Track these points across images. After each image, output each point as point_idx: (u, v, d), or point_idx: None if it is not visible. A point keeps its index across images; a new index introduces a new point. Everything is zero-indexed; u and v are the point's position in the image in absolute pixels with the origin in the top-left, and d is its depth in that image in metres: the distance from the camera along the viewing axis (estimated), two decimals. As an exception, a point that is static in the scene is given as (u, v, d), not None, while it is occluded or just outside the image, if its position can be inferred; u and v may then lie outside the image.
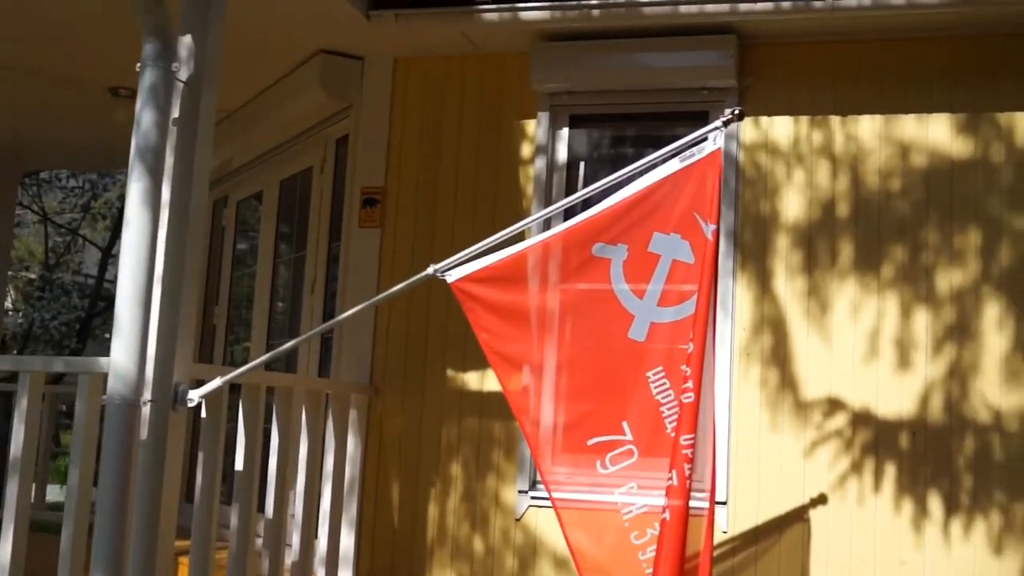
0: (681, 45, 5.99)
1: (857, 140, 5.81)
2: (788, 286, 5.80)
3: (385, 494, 6.25)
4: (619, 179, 4.41)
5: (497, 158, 6.38)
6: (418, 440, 6.24)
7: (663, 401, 4.23)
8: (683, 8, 5.76)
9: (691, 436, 4.10)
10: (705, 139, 4.36)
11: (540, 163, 6.25)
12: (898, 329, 5.62)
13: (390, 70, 6.66)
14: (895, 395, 5.58)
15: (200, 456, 4.82)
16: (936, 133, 5.72)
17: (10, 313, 23.50)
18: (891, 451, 5.55)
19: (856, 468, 5.57)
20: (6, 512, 4.55)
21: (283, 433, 5.33)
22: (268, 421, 5.34)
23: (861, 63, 5.87)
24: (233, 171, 8.70)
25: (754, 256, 5.86)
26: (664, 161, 4.39)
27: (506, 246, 4.39)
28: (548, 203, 6.10)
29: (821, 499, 5.58)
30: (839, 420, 5.63)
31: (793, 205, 5.85)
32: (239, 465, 5.04)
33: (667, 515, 4.09)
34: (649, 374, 4.26)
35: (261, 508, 5.37)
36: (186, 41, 4.47)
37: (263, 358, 4.78)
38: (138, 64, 4.26)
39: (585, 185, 5.13)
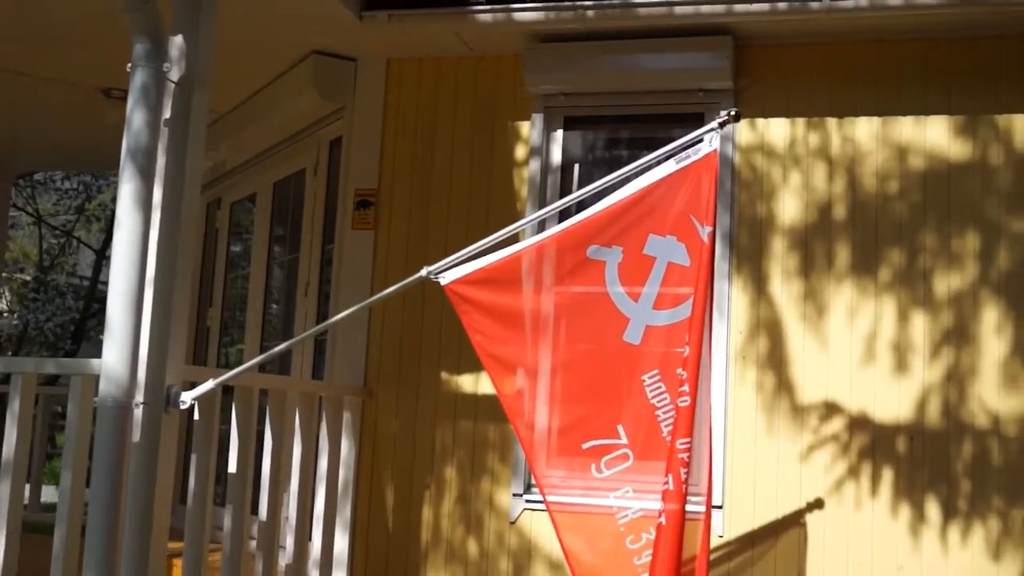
0: (676, 46, 5.96)
1: (854, 142, 5.79)
2: (784, 289, 5.77)
3: (379, 497, 6.22)
4: (614, 181, 4.39)
5: (491, 160, 6.36)
6: (412, 443, 6.22)
7: (658, 405, 4.20)
8: (678, 9, 5.74)
9: (687, 440, 4.07)
10: (701, 141, 4.34)
11: (534, 165, 6.22)
12: (895, 333, 5.60)
13: (383, 71, 6.63)
14: (892, 399, 5.56)
15: (193, 458, 4.80)
16: (933, 135, 5.70)
17: (5, 315, 23.50)
18: (888, 455, 5.52)
19: (853, 472, 5.55)
20: (-1, 513, 4.55)
21: (277, 435, 5.31)
22: (262, 423, 5.33)
23: (858, 65, 5.85)
24: (227, 173, 8.67)
25: (750, 259, 5.84)
26: (659, 163, 4.36)
27: (500, 248, 4.36)
28: (542, 205, 6.08)
29: (818, 503, 5.56)
30: (836, 424, 5.61)
31: (789, 208, 5.83)
32: (232, 467, 5.02)
33: (663, 519, 4.07)
34: (644, 377, 4.24)
35: (255, 510, 5.36)
36: (177, 41, 4.46)
37: (256, 360, 4.78)
38: (128, 64, 4.23)
39: (579, 187, 5.09)
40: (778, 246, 5.81)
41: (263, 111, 7.43)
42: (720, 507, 5.65)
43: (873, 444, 5.55)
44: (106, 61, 6.70)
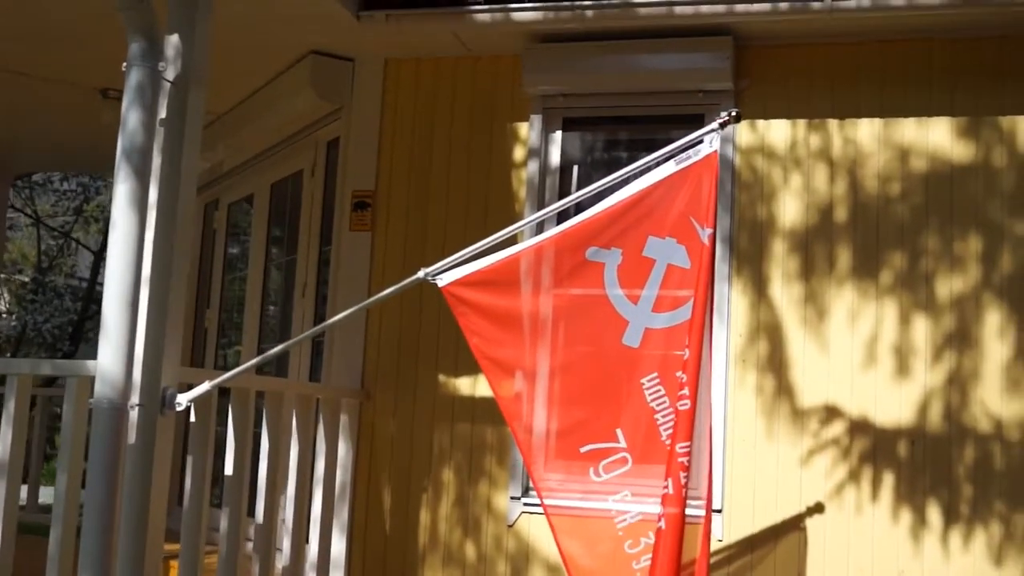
0: (676, 47, 5.93)
1: (856, 143, 5.76)
2: (785, 292, 5.74)
3: (376, 499, 6.20)
4: (613, 182, 4.36)
5: (489, 161, 6.33)
6: (410, 445, 6.19)
7: (658, 408, 4.18)
8: (678, 9, 5.71)
9: (687, 444, 4.05)
10: (701, 142, 4.31)
11: (533, 166, 6.19)
12: (897, 336, 5.57)
13: (381, 72, 6.60)
14: (894, 403, 5.52)
15: (190, 460, 4.80)
16: (936, 136, 5.67)
17: (3, 316, 23.48)
18: (889, 460, 5.49)
19: (854, 477, 5.51)
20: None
21: (273, 437, 5.31)
22: (259, 425, 5.31)
23: (860, 65, 5.81)
24: (224, 174, 8.65)
25: (750, 261, 5.81)
26: (659, 164, 4.34)
27: (498, 250, 4.34)
28: (541, 207, 6.05)
29: (818, 508, 5.53)
30: (836, 428, 5.57)
31: (790, 210, 5.80)
32: (229, 469, 5.01)
33: (663, 524, 4.04)
34: (643, 381, 4.21)
35: (251, 512, 5.36)
36: (173, 40, 4.45)
37: (252, 362, 4.77)
38: (124, 63, 4.21)
39: (578, 189, 5.07)
40: (779, 248, 5.78)
41: (260, 112, 7.41)
42: (719, 511, 5.62)
43: (874, 448, 5.52)
44: (106, 61, 6.64)
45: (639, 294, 4.27)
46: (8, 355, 20.69)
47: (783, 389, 5.67)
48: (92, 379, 4.17)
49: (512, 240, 4.52)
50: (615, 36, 6.00)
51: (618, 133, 6.45)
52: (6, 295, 24.01)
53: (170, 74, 4.38)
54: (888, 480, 5.47)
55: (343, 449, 6.12)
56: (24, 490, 8.56)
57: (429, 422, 6.17)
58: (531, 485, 5.70)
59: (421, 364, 6.24)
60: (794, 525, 5.55)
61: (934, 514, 5.39)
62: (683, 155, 4.30)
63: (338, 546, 6.04)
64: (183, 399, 4.37)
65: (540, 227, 5.48)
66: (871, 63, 5.80)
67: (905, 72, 5.75)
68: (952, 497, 5.39)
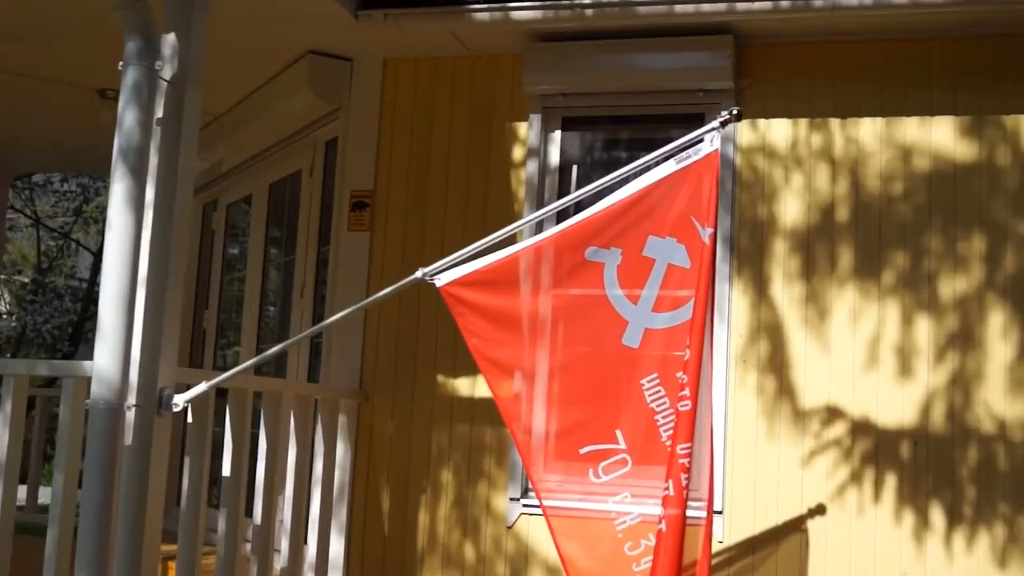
0: (676, 46, 5.91)
1: (857, 143, 5.73)
2: (786, 292, 5.71)
3: (375, 500, 6.17)
4: (613, 181, 4.33)
5: (488, 161, 6.31)
6: (408, 446, 6.17)
7: (658, 409, 4.16)
8: (678, 8, 5.68)
9: (688, 445, 4.02)
10: (701, 140, 4.29)
11: (532, 166, 6.17)
12: (899, 336, 5.54)
13: (379, 71, 6.58)
14: (896, 404, 5.50)
15: (187, 460, 4.79)
16: (939, 136, 5.64)
17: (3, 317, 23.49)
18: (892, 461, 5.46)
19: (856, 478, 5.49)
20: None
21: (271, 438, 5.30)
22: (257, 426, 5.29)
23: (861, 64, 5.79)
24: (223, 174, 8.64)
25: (751, 261, 5.78)
26: (659, 163, 4.31)
27: (497, 250, 4.32)
28: (540, 206, 6.03)
29: (819, 509, 5.50)
30: (838, 429, 5.55)
31: (791, 209, 5.77)
32: (227, 470, 4.99)
33: (663, 525, 4.02)
34: (643, 381, 4.19)
35: (250, 513, 5.36)
36: (170, 39, 4.42)
37: (249, 363, 4.77)
38: (120, 62, 4.18)
39: (578, 188, 5.04)
40: (780, 248, 5.75)
41: (259, 111, 7.39)
42: (720, 512, 5.59)
43: (876, 449, 5.49)
44: (105, 61, 6.61)
45: (639, 294, 4.25)
46: (8, 356, 20.69)
47: (784, 389, 5.64)
48: (88, 380, 4.15)
49: (511, 240, 4.50)
50: (615, 35, 5.98)
51: (618, 132, 6.43)
52: (6, 296, 24.03)
53: (167, 73, 4.36)
54: (891, 481, 5.44)
55: (341, 450, 6.11)
56: (23, 490, 8.54)
57: (428, 423, 6.15)
58: (530, 486, 5.68)
59: (420, 364, 6.22)
60: (796, 526, 5.53)
61: (937, 516, 5.37)
62: (683, 154, 4.28)
63: (336, 547, 6.02)
64: (180, 400, 4.36)
65: (539, 227, 5.46)
66: (872, 62, 5.77)
67: (907, 71, 5.73)
68: (955, 498, 5.36)
